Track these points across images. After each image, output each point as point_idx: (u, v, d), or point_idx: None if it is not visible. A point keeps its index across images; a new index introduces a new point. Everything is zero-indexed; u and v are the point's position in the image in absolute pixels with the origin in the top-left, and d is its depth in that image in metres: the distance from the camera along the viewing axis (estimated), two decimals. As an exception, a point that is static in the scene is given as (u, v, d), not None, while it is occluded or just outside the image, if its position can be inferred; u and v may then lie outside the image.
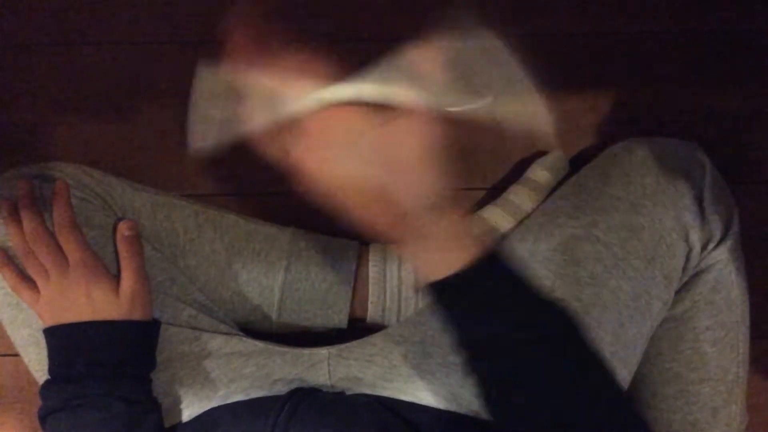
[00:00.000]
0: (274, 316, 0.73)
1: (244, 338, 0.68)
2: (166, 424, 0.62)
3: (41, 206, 0.63)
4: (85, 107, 0.84)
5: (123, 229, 0.64)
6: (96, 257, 0.61)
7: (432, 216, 0.45)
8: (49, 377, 0.60)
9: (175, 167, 0.83)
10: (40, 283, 0.61)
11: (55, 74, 0.84)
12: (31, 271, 0.61)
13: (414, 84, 0.45)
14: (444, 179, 0.45)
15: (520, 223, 0.76)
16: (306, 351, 0.66)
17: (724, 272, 0.64)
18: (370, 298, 0.74)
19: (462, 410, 0.59)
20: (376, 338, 0.67)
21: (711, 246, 0.63)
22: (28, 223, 0.61)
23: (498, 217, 0.77)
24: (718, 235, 0.63)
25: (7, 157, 0.83)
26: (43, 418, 0.59)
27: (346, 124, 0.45)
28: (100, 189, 0.68)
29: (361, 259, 0.74)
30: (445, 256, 0.46)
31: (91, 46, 0.84)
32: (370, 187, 0.44)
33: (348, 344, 0.67)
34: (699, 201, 0.62)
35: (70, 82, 0.84)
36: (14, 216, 0.62)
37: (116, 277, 0.62)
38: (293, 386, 0.63)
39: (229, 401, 0.62)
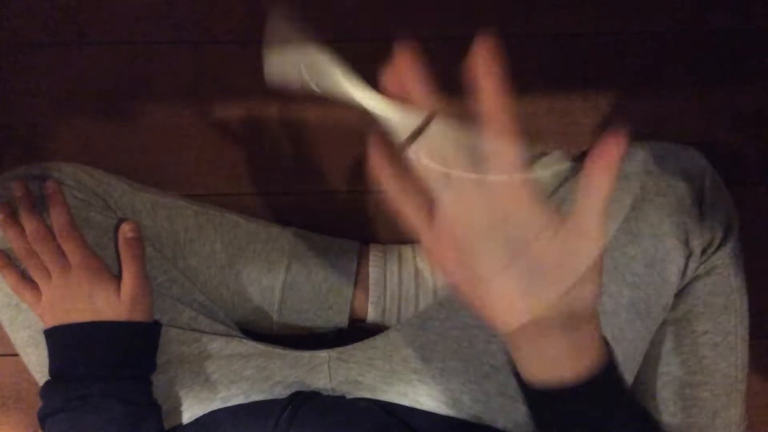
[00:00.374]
0: (274, 316, 0.73)
1: (245, 340, 0.68)
2: (166, 426, 0.62)
3: (42, 206, 0.63)
4: (85, 107, 0.84)
5: (126, 230, 0.64)
6: (97, 259, 0.62)
7: (569, 323, 0.38)
8: (49, 378, 0.60)
9: (175, 167, 0.83)
10: (41, 284, 0.61)
11: (55, 74, 0.84)
12: (33, 273, 0.61)
13: None
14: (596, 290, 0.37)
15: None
16: (306, 353, 0.66)
17: (723, 276, 0.64)
18: (371, 299, 0.74)
19: (462, 415, 0.59)
20: (377, 341, 0.67)
21: (711, 250, 0.63)
22: (29, 225, 0.61)
23: (498, 217, 0.77)
24: (717, 239, 0.62)
25: (7, 157, 0.83)
26: (43, 418, 0.59)
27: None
28: (101, 189, 0.68)
29: (361, 260, 0.74)
30: (557, 360, 0.39)
31: (91, 46, 0.84)
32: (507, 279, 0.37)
33: (348, 347, 0.67)
34: (699, 205, 0.62)
35: (70, 82, 0.84)
36: (13, 218, 0.62)
37: (117, 279, 0.62)
38: (293, 389, 0.63)
39: (229, 404, 0.62)
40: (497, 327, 0.39)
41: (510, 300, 0.37)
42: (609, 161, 0.35)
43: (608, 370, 0.40)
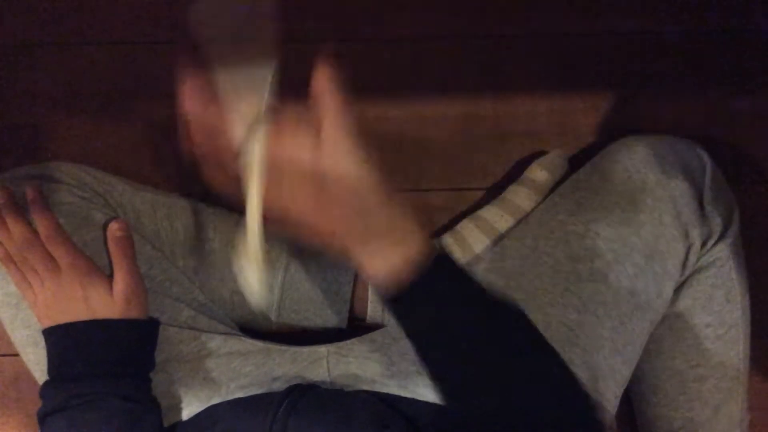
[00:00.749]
0: (273, 315, 0.73)
1: (243, 338, 0.68)
2: (166, 424, 0.62)
3: (46, 205, 0.63)
4: (85, 107, 0.84)
5: (114, 229, 0.64)
6: (88, 259, 0.61)
7: (373, 212, 0.44)
8: (49, 377, 0.60)
9: (175, 167, 0.83)
10: (35, 286, 0.61)
11: (55, 74, 0.84)
12: (27, 275, 0.61)
13: None
14: (379, 174, 0.44)
15: (519, 222, 0.76)
16: (305, 349, 0.66)
17: (724, 269, 0.64)
18: (370, 298, 0.74)
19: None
20: (375, 335, 0.67)
21: (711, 243, 0.63)
22: (15, 231, 0.61)
23: (497, 216, 0.77)
24: (718, 231, 0.63)
25: (7, 157, 0.83)
26: (42, 418, 0.59)
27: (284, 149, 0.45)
28: (101, 188, 0.68)
29: (360, 259, 0.74)
30: (388, 253, 0.45)
31: (91, 46, 0.84)
32: (314, 195, 0.44)
33: (347, 341, 0.67)
34: (699, 198, 0.62)
35: (70, 82, 0.84)
36: (2, 223, 0.62)
37: (110, 278, 0.62)
38: (293, 383, 0.63)
39: (228, 399, 0.62)
40: (335, 246, 0.46)
41: (318, 212, 0.44)
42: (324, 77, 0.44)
43: (440, 261, 0.45)
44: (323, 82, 0.44)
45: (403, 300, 0.46)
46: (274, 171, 0.44)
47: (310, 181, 0.44)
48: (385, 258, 0.45)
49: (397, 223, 0.45)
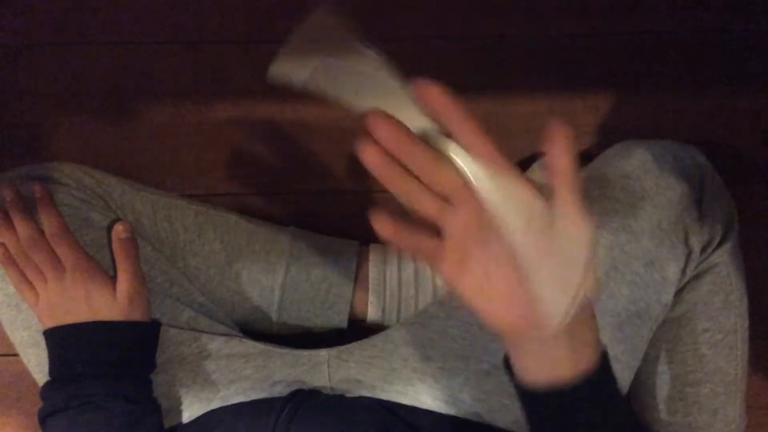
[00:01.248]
0: (274, 316, 0.73)
1: (244, 339, 0.68)
2: (167, 426, 0.62)
3: (53, 204, 0.63)
4: (85, 107, 0.84)
5: (119, 231, 0.64)
6: (91, 260, 0.61)
7: (566, 322, 0.38)
8: (50, 378, 0.60)
9: (175, 167, 0.83)
10: (38, 286, 0.61)
11: (55, 74, 0.84)
12: (29, 275, 0.61)
13: None
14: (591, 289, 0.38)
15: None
16: (306, 352, 0.66)
17: (723, 274, 0.64)
18: (370, 299, 0.74)
19: (461, 414, 0.59)
20: (376, 340, 0.67)
21: (710, 248, 0.63)
22: (21, 229, 0.61)
23: (498, 217, 0.77)
24: (717, 237, 0.62)
25: (7, 157, 0.83)
26: (43, 419, 0.59)
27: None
28: (100, 189, 0.68)
29: (361, 260, 0.75)
30: (558, 361, 0.40)
31: (91, 46, 0.84)
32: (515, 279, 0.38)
33: (348, 346, 0.67)
34: (698, 203, 0.62)
35: (70, 82, 0.83)
36: (7, 221, 0.62)
37: (113, 279, 0.62)
38: (293, 388, 0.63)
39: (229, 402, 0.62)
40: (500, 331, 0.40)
41: (520, 306, 0.38)
42: (562, 144, 0.36)
43: (604, 369, 0.41)
44: (560, 153, 0.36)
45: (551, 402, 0.41)
46: (480, 247, 0.38)
47: (515, 267, 0.37)
48: (553, 366, 0.40)
49: (583, 335, 0.40)
